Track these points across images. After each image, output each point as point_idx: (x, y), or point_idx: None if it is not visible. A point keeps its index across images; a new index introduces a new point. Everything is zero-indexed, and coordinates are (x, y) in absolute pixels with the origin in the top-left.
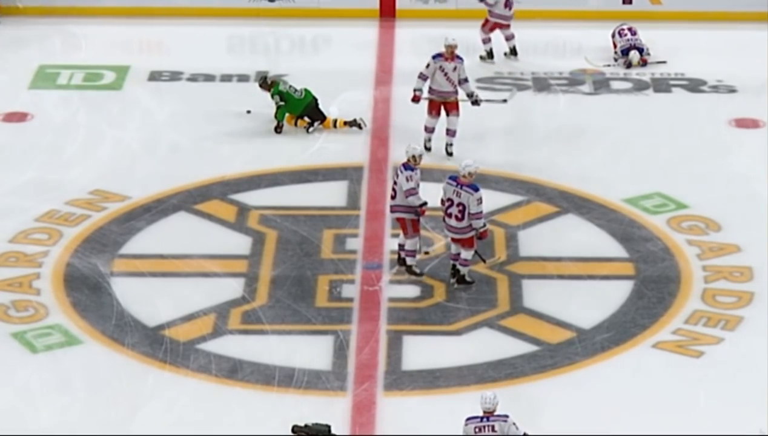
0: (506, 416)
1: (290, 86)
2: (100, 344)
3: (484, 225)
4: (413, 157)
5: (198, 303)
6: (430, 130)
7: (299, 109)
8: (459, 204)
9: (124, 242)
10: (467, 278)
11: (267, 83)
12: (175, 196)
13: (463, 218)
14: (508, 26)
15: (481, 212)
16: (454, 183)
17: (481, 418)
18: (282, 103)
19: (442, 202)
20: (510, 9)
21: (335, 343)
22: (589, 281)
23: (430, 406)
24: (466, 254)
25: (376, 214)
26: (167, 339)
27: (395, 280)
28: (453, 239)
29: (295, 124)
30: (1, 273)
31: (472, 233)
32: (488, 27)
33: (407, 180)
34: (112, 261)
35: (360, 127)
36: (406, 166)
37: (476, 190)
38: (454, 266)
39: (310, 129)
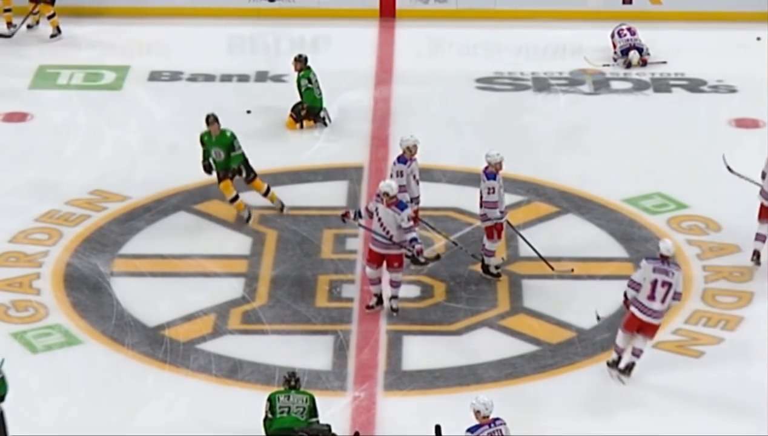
0: (502, 420)
1: (317, 81)
2: (100, 344)
3: (501, 216)
4: (408, 148)
5: (198, 303)
6: (375, 281)
7: (314, 107)
8: (480, 191)
9: (124, 242)
10: (491, 270)
11: (303, 61)
12: (175, 196)
13: (481, 205)
14: None
15: (494, 202)
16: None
17: (489, 425)
18: (310, 86)
19: None
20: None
21: (335, 343)
22: (589, 281)
23: (430, 406)
24: (490, 245)
25: None
26: (167, 339)
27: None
28: None
29: (301, 127)
30: (1, 273)
31: (488, 223)
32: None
33: (397, 175)
34: (112, 261)
35: (325, 123)
36: (400, 158)
37: (489, 178)
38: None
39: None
